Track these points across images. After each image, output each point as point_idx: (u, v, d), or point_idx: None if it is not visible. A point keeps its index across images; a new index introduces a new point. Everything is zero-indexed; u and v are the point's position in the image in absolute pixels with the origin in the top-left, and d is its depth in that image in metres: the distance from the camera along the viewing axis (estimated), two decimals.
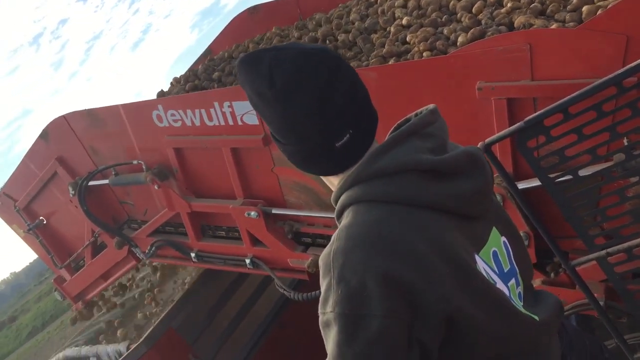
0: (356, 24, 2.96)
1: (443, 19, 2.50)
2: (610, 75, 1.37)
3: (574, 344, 1.25)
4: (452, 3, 2.57)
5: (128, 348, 3.39)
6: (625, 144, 1.54)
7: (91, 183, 3.36)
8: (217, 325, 3.66)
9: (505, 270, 1.14)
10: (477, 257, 1.04)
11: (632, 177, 1.54)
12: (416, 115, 1.15)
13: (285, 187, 2.66)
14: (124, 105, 3.00)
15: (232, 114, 2.52)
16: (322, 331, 0.99)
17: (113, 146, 3.19)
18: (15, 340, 26.60)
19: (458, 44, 2.21)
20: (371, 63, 2.44)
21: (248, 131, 2.54)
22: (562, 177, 1.57)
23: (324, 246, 2.78)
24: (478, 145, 1.52)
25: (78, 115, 3.24)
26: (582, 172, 1.55)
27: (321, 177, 1.19)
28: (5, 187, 3.96)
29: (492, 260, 1.10)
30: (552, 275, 2.04)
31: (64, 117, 3.30)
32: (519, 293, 1.17)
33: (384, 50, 2.48)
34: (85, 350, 4.00)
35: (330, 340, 0.95)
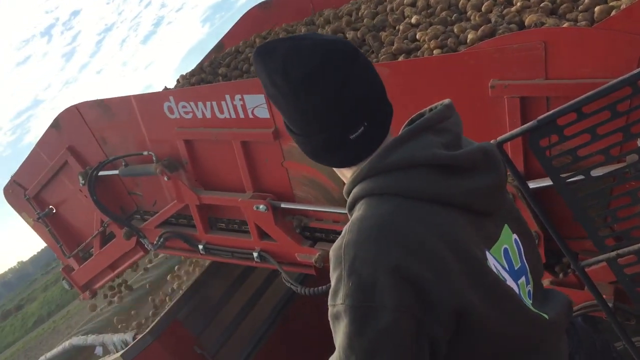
0: (365, 20, 2.96)
1: (453, 18, 2.49)
2: (626, 76, 1.36)
3: (583, 343, 1.25)
4: (461, 2, 2.57)
5: (134, 338, 3.41)
6: (639, 145, 1.53)
7: (101, 173, 3.38)
8: (223, 318, 3.66)
9: (516, 268, 1.14)
10: (488, 254, 1.04)
11: None
12: (431, 110, 1.14)
13: (294, 181, 2.66)
14: (136, 96, 3.01)
15: (243, 107, 2.53)
16: (331, 323, 1.00)
17: (124, 137, 3.21)
18: (21, 328, 26.86)
19: (468, 41, 2.20)
20: (380, 60, 2.44)
21: (258, 125, 2.54)
22: (573, 177, 1.56)
23: (332, 241, 2.77)
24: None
25: (90, 106, 3.26)
26: (594, 173, 1.54)
27: (334, 169, 1.19)
28: (15, 175, 3.99)
29: (503, 257, 1.10)
30: (561, 275, 2.04)
31: (75, 107, 3.32)
32: (529, 291, 1.17)
33: (394, 47, 2.48)
34: (91, 339, 4.03)
35: (340, 332, 0.96)
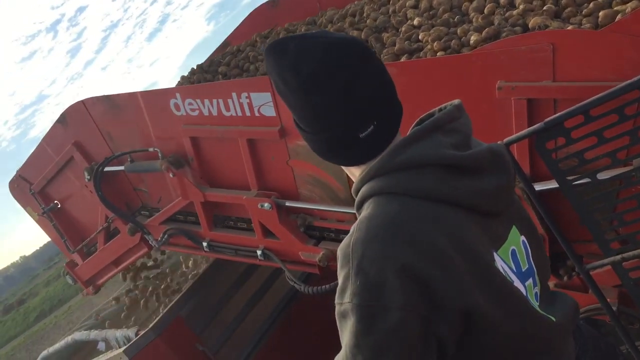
0: (368, 21, 2.97)
1: (455, 19, 2.50)
2: (634, 79, 1.35)
3: (589, 346, 1.25)
4: (464, 5, 2.57)
5: (137, 334, 3.42)
6: None
7: (107, 169, 3.39)
8: (225, 315, 3.67)
9: (523, 270, 1.13)
10: (495, 255, 1.04)
11: None
12: (440, 110, 1.14)
13: (299, 180, 2.66)
14: (142, 93, 3.01)
15: (250, 105, 2.53)
16: (337, 322, 1.00)
17: (130, 133, 3.21)
18: (23, 323, 26.93)
19: (471, 42, 2.21)
20: (383, 61, 2.44)
21: (265, 123, 2.55)
22: (580, 180, 1.56)
23: (337, 240, 2.77)
24: None
25: (96, 101, 3.27)
26: (601, 176, 1.54)
27: (342, 167, 1.19)
28: (21, 169, 4.00)
29: (511, 258, 1.10)
30: (565, 278, 2.03)
31: (82, 102, 3.33)
32: (536, 293, 1.17)
33: (396, 47, 2.49)
34: (94, 334, 4.04)
35: (347, 331, 0.96)
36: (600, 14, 1.91)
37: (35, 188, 3.91)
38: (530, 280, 1.15)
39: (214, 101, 2.66)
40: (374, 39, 2.79)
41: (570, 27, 1.96)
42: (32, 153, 3.84)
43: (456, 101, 1.14)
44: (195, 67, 3.84)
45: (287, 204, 2.71)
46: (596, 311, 1.97)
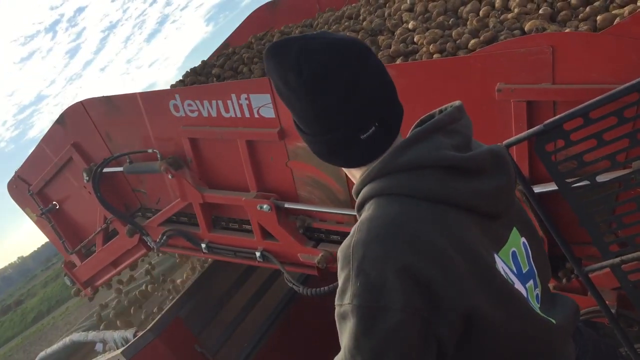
0: (364, 24, 2.98)
1: (450, 22, 2.50)
2: (633, 82, 1.36)
3: (589, 347, 1.25)
4: (459, 9, 2.58)
5: (135, 335, 3.41)
6: None
7: (106, 170, 3.38)
8: (224, 316, 3.67)
9: (524, 271, 1.13)
10: (496, 257, 1.04)
11: None
12: (441, 111, 1.14)
13: (298, 181, 2.66)
14: (142, 94, 3.01)
15: (249, 106, 2.53)
16: (337, 323, 1.00)
17: (129, 134, 3.21)
18: (20, 323, 26.85)
19: (469, 45, 2.21)
20: None
21: (264, 124, 2.55)
22: (579, 182, 1.56)
23: (336, 242, 2.76)
24: None
25: (95, 102, 3.26)
26: (600, 178, 1.54)
27: (343, 169, 1.19)
28: (20, 170, 4.00)
29: (511, 260, 1.10)
30: (564, 280, 2.03)
31: (81, 103, 3.33)
32: (537, 295, 1.17)
33: (391, 50, 2.49)
34: (92, 335, 4.04)
35: (347, 332, 0.96)
36: (599, 17, 1.92)
37: (33, 189, 3.90)
38: (531, 282, 1.15)
39: (213, 102, 2.66)
40: (369, 41, 2.80)
41: (568, 30, 1.96)
42: (31, 154, 3.84)
43: (457, 102, 1.14)
44: (189, 70, 3.84)
45: (286, 205, 2.71)
46: (595, 314, 1.97)
